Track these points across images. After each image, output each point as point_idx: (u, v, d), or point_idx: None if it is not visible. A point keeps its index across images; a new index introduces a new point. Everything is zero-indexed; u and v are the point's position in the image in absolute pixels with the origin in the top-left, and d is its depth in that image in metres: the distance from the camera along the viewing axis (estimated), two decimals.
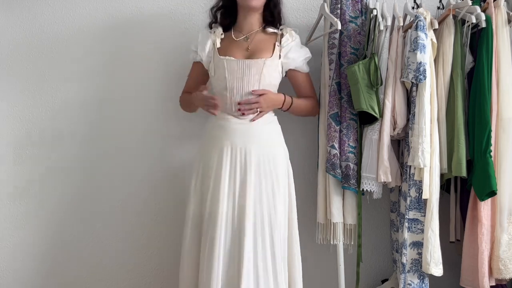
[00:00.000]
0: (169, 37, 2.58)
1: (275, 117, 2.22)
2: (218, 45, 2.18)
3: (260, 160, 2.08)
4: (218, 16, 2.25)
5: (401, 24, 2.17)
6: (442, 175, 2.11)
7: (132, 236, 2.61)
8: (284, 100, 2.18)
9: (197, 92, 2.12)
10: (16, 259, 2.62)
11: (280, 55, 2.17)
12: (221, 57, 2.14)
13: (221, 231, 2.00)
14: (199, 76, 2.27)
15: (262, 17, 2.23)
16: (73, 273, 2.61)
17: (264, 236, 2.03)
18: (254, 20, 2.20)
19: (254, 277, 2.00)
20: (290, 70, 2.22)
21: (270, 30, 2.22)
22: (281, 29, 2.23)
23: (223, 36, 2.21)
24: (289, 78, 2.25)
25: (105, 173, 2.60)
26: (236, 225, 2.02)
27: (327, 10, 2.27)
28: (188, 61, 2.30)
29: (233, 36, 2.21)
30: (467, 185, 2.11)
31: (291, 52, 2.19)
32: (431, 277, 2.11)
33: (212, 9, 2.25)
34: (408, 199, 2.10)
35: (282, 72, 2.20)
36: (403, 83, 2.13)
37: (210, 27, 2.25)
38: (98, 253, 2.61)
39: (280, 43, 2.19)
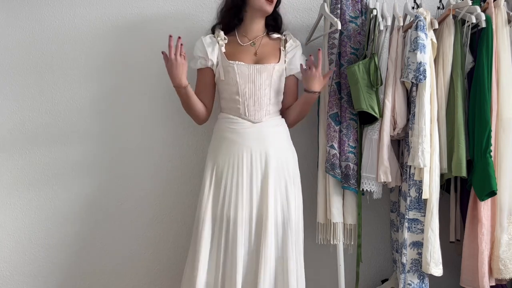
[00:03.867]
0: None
1: (283, 119, 2.23)
2: (224, 49, 2.18)
3: (278, 163, 2.09)
4: (225, 17, 2.22)
5: (401, 24, 2.17)
6: (442, 175, 2.11)
7: (131, 237, 2.61)
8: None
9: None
10: (17, 258, 2.62)
11: (285, 60, 2.20)
12: (230, 61, 2.14)
13: (242, 235, 2.01)
14: (209, 83, 2.21)
15: (265, 22, 2.24)
16: (72, 274, 2.61)
17: (278, 238, 2.05)
18: (260, 25, 2.22)
19: (270, 277, 2.02)
20: (290, 75, 2.23)
21: (274, 35, 2.24)
22: (284, 35, 2.26)
23: (226, 41, 2.20)
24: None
25: (105, 175, 2.60)
26: (255, 228, 2.03)
27: (327, 10, 2.28)
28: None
29: (238, 40, 2.21)
30: (467, 185, 2.11)
31: (296, 59, 2.21)
32: (431, 277, 2.11)
33: (222, 10, 2.24)
34: (408, 199, 2.09)
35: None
36: (403, 83, 2.13)
37: (212, 32, 2.23)
38: (97, 254, 2.61)
39: (285, 48, 2.21)
